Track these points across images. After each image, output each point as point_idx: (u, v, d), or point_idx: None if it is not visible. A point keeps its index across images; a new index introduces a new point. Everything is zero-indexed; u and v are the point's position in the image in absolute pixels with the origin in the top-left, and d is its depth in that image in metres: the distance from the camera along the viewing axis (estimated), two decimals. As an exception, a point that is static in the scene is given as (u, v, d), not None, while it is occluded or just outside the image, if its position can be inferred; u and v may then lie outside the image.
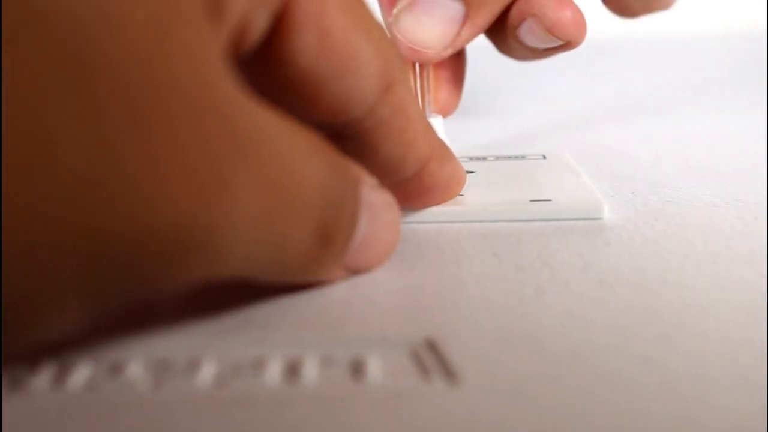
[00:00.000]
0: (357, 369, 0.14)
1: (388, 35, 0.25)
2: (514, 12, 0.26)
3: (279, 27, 0.15)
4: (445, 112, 0.28)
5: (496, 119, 0.39)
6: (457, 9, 0.24)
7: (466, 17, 0.25)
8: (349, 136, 0.17)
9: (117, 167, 0.11)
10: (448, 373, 0.14)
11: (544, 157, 0.28)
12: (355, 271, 0.18)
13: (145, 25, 0.12)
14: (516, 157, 0.28)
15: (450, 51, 0.25)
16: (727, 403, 0.12)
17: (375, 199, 0.17)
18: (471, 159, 0.28)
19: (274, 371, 0.14)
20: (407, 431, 0.12)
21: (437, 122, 0.28)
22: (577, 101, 0.43)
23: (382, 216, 0.17)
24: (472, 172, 0.26)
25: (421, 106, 0.27)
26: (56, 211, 0.11)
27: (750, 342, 0.14)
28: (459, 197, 0.22)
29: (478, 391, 0.13)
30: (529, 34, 0.26)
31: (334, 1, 0.16)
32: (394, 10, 0.25)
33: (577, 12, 0.26)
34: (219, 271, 0.13)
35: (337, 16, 0.16)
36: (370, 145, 0.18)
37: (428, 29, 0.25)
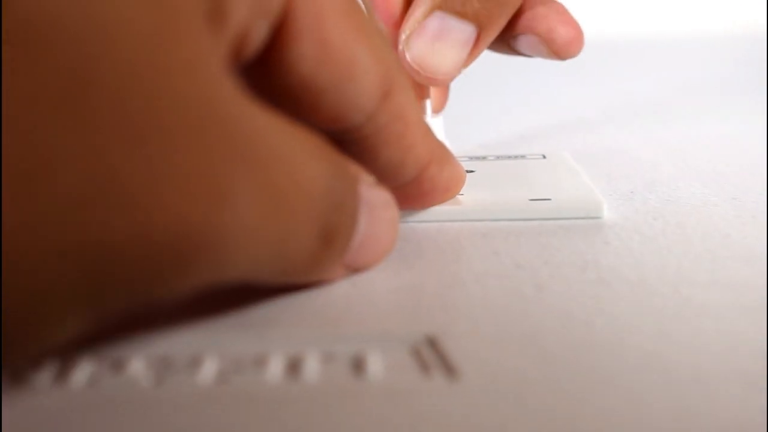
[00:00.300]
0: (358, 365, 0.14)
1: (388, 42, 0.26)
2: (515, 25, 0.25)
3: (278, 36, 0.15)
4: (434, 111, 0.28)
5: (497, 119, 0.39)
6: (470, 31, 0.24)
7: (478, 38, 0.24)
8: (348, 143, 0.17)
9: (114, 178, 0.11)
10: (448, 369, 0.14)
11: (544, 157, 0.28)
12: (354, 270, 0.18)
13: (144, 36, 0.12)
14: (516, 157, 0.28)
15: (461, 71, 0.25)
16: (727, 403, 0.12)
17: (373, 197, 0.17)
18: (471, 158, 0.28)
19: (275, 368, 0.14)
20: (408, 426, 0.12)
21: (437, 122, 0.28)
22: (577, 102, 0.44)
23: (381, 214, 0.17)
24: (472, 171, 0.26)
25: (421, 110, 0.27)
26: (54, 223, 0.11)
27: (749, 341, 0.14)
28: (459, 196, 0.22)
29: (478, 388, 0.13)
30: (528, 47, 0.26)
31: (333, 10, 0.16)
32: (403, 35, 0.25)
33: (579, 31, 0.26)
34: (221, 277, 0.13)
35: (336, 24, 0.16)
36: (369, 151, 0.18)
37: (442, 55, 0.24)
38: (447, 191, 0.21)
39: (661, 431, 0.12)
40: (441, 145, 0.20)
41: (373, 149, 0.18)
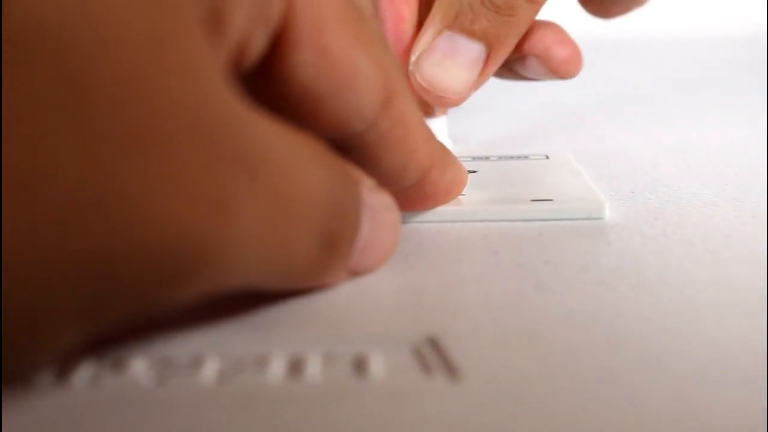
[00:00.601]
0: (360, 366, 0.14)
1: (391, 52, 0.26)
2: (515, 47, 0.26)
3: (278, 44, 0.15)
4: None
5: (499, 118, 0.39)
6: (479, 50, 0.24)
7: (488, 58, 0.24)
8: (350, 149, 0.17)
9: (112, 187, 0.11)
10: (450, 369, 0.14)
11: (547, 158, 0.28)
12: (357, 274, 0.18)
13: (141, 42, 0.12)
14: (519, 157, 0.28)
15: (472, 92, 0.25)
16: (727, 403, 0.12)
17: (375, 201, 0.17)
18: (474, 159, 0.28)
19: (277, 368, 0.14)
20: (409, 427, 0.12)
21: (441, 122, 0.28)
22: (577, 102, 0.44)
23: (383, 218, 0.17)
24: (474, 171, 0.26)
25: (426, 111, 0.27)
26: (52, 233, 0.11)
27: (750, 341, 0.15)
28: (461, 197, 0.22)
29: (480, 388, 0.13)
30: (528, 69, 0.27)
31: (334, 17, 0.16)
32: (413, 57, 0.25)
33: (577, 50, 0.26)
34: (222, 284, 0.13)
35: (337, 32, 0.16)
36: (371, 156, 0.18)
37: (453, 74, 0.24)
38: (449, 194, 0.21)
39: (661, 431, 0.12)
40: (442, 148, 0.20)
41: (375, 155, 0.18)
